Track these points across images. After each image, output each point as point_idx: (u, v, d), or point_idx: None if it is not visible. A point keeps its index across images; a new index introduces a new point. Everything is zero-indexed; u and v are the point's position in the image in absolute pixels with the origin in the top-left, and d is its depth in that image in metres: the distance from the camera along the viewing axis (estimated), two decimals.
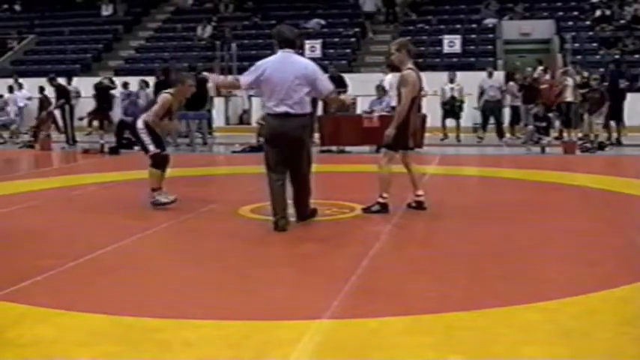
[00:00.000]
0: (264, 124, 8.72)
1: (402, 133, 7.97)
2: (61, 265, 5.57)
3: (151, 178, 8.15)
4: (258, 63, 6.97)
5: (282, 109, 6.77)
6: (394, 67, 8.53)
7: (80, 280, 5.30)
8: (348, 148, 15.95)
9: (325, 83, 7.12)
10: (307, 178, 7.08)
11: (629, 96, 17.38)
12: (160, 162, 8.10)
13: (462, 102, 18.15)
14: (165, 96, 8.30)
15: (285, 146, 6.82)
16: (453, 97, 18.00)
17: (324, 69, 20.03)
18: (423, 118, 16.52)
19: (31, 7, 30.37)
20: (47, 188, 10.24)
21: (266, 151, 7.00)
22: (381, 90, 17.23)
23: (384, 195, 7.83)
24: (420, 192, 8.14)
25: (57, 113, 18.85)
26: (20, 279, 5.12)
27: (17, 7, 31.20)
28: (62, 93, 18.73)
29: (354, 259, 5.70)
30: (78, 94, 20.98)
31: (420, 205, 8.06)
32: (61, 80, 19.41)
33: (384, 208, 7.80)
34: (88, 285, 5.10)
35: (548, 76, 18.63)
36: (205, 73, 11.46)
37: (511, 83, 18.53)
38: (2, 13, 31.20)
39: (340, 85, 18.81)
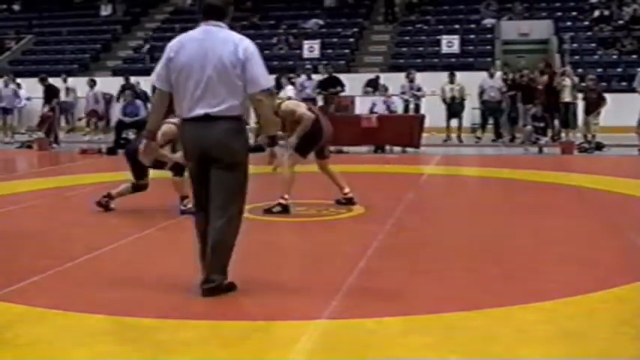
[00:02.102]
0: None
1: (314, 142, 8.11)
2: (59, 266, 5.57)
3: (177, 186, 7.85)
4: (170, 44, 4.81)
5: (200, 110, 4.61)
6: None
7: (78, 280, 5.29)
8: (345, 149, 15.94)
9: (258, 72, 4.64)
10: (233, 221, 4.74)
11: (628, 96, 17.39)
12: (180, 168, 7.82)
13: (462, 99, 18.14)
14: (168, 127, 7.33)
15: (206, 164, 4.71)
16: (453, 98, 17.98)
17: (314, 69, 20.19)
18: (421, 118, 16.57)
19: (29, 7, 30.33)
20: (45, 188, 10.23)
21: (189, 169, 4.95)
22: (383, 90, 17.26)
23: (285, 196, 7.86)
24: (347, 189, 8.35)
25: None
26: (18, 279, 5.12)
27: (16, 7, 31.16)
28: (52, 93, 18.74)
29: (351, 259, 5.70)
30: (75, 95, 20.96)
31: (349, 201, 8.28)
32: (53, 80, 19.45)
33: (285, 209, 7.83)
34: (86, 285, 5.10)
35: (545, 77, 18.61)
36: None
37: (497, 79, 18.46)
38: (0, 13, 31.17)
39: (337, 85, 18.85)
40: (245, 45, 4.68)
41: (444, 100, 18.02)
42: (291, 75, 19.51)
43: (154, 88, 4.91)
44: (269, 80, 4.84)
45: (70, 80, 21.30)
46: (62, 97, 20.26)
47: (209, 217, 4.70)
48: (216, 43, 4.65)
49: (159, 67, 4.77)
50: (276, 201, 7.86)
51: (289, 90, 18.80)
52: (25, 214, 8.33)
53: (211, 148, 4.65)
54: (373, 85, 19.87)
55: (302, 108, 7.95)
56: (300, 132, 7.85)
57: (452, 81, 18.21)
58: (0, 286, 4.93)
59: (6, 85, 20.13)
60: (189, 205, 7.52)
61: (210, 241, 4.67)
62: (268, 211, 7.81)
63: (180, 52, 4.67)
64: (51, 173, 12.88)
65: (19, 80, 21.18)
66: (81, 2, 30.15)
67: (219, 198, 4.68)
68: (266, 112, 4.80)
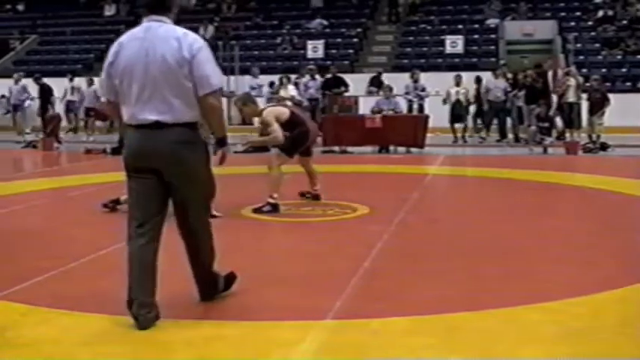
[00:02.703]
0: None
1: (301, 144, 8.24)
2: (62, 266, 5.57)
3: None
4: (111, 46, 4.31)
5: (148, 116, 4.09)
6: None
7: (82, 280, 5.30)
8: (350, 149, 15.94)
9: (208, 71, 4.14)
10: (205, 233, 4.50)
11: (632, 96, 17.38)
12: None
13: (468, 104, 18.05)
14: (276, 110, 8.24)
15: (158, 179, 4.18)
16: (458, 101, 17.87)
17: (326, 69, 20.27)
18: (425, 119, 16.56)
19: (33, 7, 30.39)
20: (49, 188, 10.25)
21: (129, 188, 4.30)
22: (387, 90, 17.23)
23: (274, 195, 7.95)
24: (318, 187, 8.66)
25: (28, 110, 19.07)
26: (22, 279, 5.12)
27: (20, 7, 31.22)
28: (46, 92, 18.78)
29: (356, 259, 5.70)
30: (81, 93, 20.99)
31: (316, 197, 8.60)
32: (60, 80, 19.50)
33: (274, 208, 7.90)
34: (89, 285, 5.10)
35: (548, 77, 18.59)
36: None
37: (492, 79, 18.38)
38: (5, 14, 31.22)
39: (341, 85, 18.85)
40: (190, 40, 4.13)
41: (444, 101, 17.93)
42: (291, 75, 19.47)
43: None
44: (221, 79, 4.32)
45: (76, 80, 21.36)
46: (68, 96, 20.34)
47: (155, 234, 4.22)
48: (157, 41, 4.11)
49: (102, 73, 4.28)
50: (265, 201, 7.93)
51: (291, 89, 18.81)
52: (29, 213, 8.34)
53: (162, 164, 4.12)
54: (376, 84, 19.82)
55: (278, 123, 7.98)
56: (260, 143, 8.40)
57: (458, 84, 18.08)
58: (3, 285, 4.94)
59: (16, 82, 20.24)
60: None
61: (189, 251, 4.49)
62: (258, 210, 7.87)
63: (120, 55, 4.16)
64: (55, 173, 12.90)
65: (23, 80, 21.24)
66: (85, 2, 30.19)
67: (182, 208, 4.31)
68: (217, 115, 4.27)
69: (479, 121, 18.57)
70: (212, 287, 4.59)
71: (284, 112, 8.23)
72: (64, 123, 19.65)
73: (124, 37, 4.23)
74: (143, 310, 4.03)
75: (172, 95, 4.09)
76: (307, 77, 19.59)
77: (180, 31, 4.18)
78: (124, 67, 4.14)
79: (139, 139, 4.16)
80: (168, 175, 4.16)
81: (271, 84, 20.30)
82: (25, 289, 4.94)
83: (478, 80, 18.38)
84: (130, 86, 4.12)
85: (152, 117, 4.09)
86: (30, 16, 29.94)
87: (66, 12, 29.50)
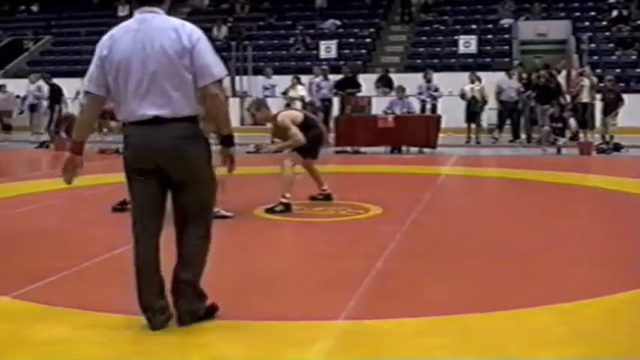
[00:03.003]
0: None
1: (317, 144, 8.35)
2: (76, 265, 5.60)
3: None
4: (101, 40, 4.08)
5: (147, 111, 3.90)
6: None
7: (95, 279, 5.33)
8: (362, 149, 15.94)
9: (208, 61, 3.94)
10: (202, 241, 4.14)
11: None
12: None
13: (484, 103, 17.98)
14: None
15: (158, 177, 3.99)
16: (473, 98, 17.83)
17: (338, 70, 20.28)
18: (438, 119, 16.54)
19: (47, 7, 30.55)
20: (63, 188, 10.24)
21: (130, 189, 4.12)
22: (400, 91, 17.21)
23: (287, 195, 7.97)
24: (325, 186, 8.66)
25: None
26: (36, 278, 5.15)
27: (34, 8, 31.39)
28: (56, 93, 18.85)
29: (369, 259, 5.70)
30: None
31: (327, 197, 8.60)
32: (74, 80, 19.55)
33: (287, 208, 7.93)
34: (103, 285, 5.13)
35: (560, 77, 18.52)
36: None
37: (506, 79, 18.31)
38: (19, 14, 31.41)
39: (354, 85, 18.84)
40: (188, 30, 3.93)
41: (462, 96, 17.84)
42: (301, 75, 19.45)
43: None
44: (222, 69, 4.04)
45: None
46: (81, 97, 20.44)
47: (159, 235, 4.07)
48: (153, 32, 3.91)
49: (91, 68, 4.02)
50: (277, 201, 7.95)
51: (300, 90, 18.80)
52: (43, 213, 8.39)
53: (163, 161, 3.92)
54: (386, 84, 19.67)
55: (295, 126, 8.03)
56: (284, 147, 8.16)
57: (473, 81, 18.02)
58: (19, 285, 4.97)
59: (32, 83, 20.37)
60: (217, 209, 7.63)
61: (180, 258, 4.09)
62: (271, 210, 7.89)
63: (114, 48, 3.94)
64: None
65: (39, 81, 21.36)
66: (99, 3, 30.33)
67: (182, 209, 4.05)
68: (221, 108, 4.03)
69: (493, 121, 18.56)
70: (196, 301, 4.11)
71: (298, 115, 8.30)
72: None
73: (116, 30, 4.02)
74: (156, 312, 3.97)
75: (172, 88, 3.88)
76: (320, 77, 19.57)
77: (176, 21, 3.97)
78: (119, 62, 3.91)
79: (138, 136, 3.96)
80: (172, 173, 3.96)
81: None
82: (39, 289, 4.97)
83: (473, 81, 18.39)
84: (127, 81, 3.90)
85: (151, 112, 3.89)
86: (44, 17, 30.11)
87: (80, 12, 29.64)
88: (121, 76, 3.92)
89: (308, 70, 21.33)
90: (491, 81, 18.23)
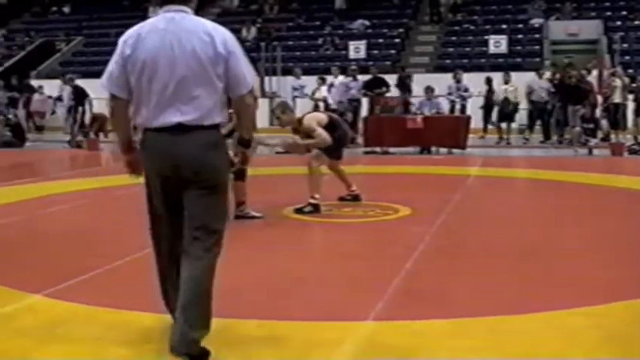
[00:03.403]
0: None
1: (343, 145, 8.45)
2: (108, 264, 5.65)
3: (239, 190, 7.81)
4: (123, 37, 3.76)
5: (170, 118, 3.62)
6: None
7: (127, 278, 5.37)
8: (391, 149, 15.91)
9: (243, 70, 3.70)
10: (214, 260, 3.76)
11: None
12: (242, 174, 7.92)
13: (517, 104, 17.82)
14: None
15: (179, 189, 3.70)
16: (506, 99, 17.66)
17: (366, 70, 20.21)
18: (467, 119, 16.46)
19: (79, 9, 30.87)
20: (95, 188, 10.38)
21: (148, 199, 3.89)
22: (430, 91, 17.13)
23: (316, 196, 7.96)
24: (354, 187, 8.67)
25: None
26: (67, 277, 5.21)
27: (66, 10, 31.73)
28: (79, 94, 18.99)
29: (397, 261, 5.69)
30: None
31: (356, 197, 8.61)
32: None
33: (316, 208, 7.92)
34: (134, 284, 5.16)
35: (592, 78, 18.33)
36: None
37: (536, 79, 18.13)
38: (51, 16, 31.78)
39: (383, 85, 18.78)
40: (223, 36, 3.66)
41: (492, 101, 17.69)
42: (324, 76, 19.39)
43: None
44: (254, 75, 3.88)
45: None
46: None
47: (179, 257, 3.73)
48: (184, 34, 3.62)
49: (111, 66, 3.72)
50: (306, 201, 7.96)
51: (323, 91, 18.76)
52: (75, 212, 8.47)
53: (185, 167, 3.63)
54: (402, 85, 19.40)
55: (321, 127, 8.03)
56: (312, 145, 8.09)
57: (507, 81, 17.88)
58: (50, 283, 5.03)
59: (65, 83, 20.58)
60: (247, 211, 7.76)
61: (187, 290, 3.64)
62: (300, 210, 7.90)
63: (139, 48, 3.64)
64: (101, 172, 13.07)
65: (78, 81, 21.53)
66: (129, 4, 30.58)
67: (198, 231, 3.67)
68: (250, 117, 3.91)
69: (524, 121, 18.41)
70: (202, 326, 3.68)
71: (323, 117, 8.31)
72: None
73: (141, 28, 3.71)
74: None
75: (200, 95, 3.61)
76: (340, 78, 19.53)
77: (209, 24, 3.69)
78: (144, 61, 3.61)
79: (159, 145, 3.67)
80: (189, 182, 3.65)
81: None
82: (71, 287, 5.02)
83: (488, 81, 18.26)
84: (150, 83, 3.61)
85: (175, 119, 3.61)
86: (75, 18, 30.42)
87: (110, 14, 29.89)
88: (145, 77, 3.62)
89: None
90: (520, 81, 18.10)
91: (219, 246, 3.76)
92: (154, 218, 3.89)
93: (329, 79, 19.81)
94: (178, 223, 3.74)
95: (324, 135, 7.94)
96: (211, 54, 3.59)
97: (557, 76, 18.18)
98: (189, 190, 3.68)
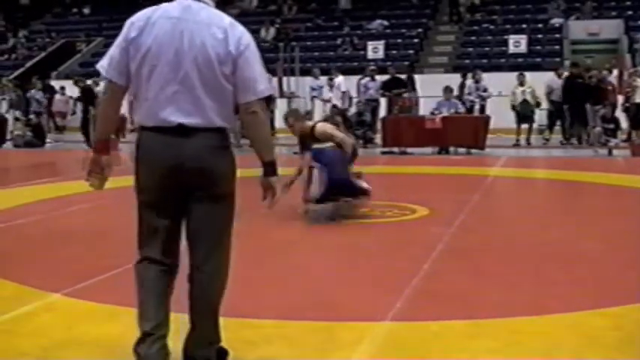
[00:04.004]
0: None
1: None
2: (127, 264, 5.62)
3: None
4: (132, 18, 3.42)
5: (171, 117, 3.23)
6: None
7: None
8: (409, 150, 15.88)
9: (254, 74, 3.29)
10: (221, 274, 3.48)
11: None
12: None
13: (537, 105, 17.59)
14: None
15: (179, 196, 3.30)
16: (525, 101, 17.39)
17: (384, 70, 20.12)
18: (486, 119, 16.38)
19: (99, 10, 31.05)
20: (114, 187, 10.39)
21: (140, 209, 3.41)
22: (448, 91, 17.06)
23: None
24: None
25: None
26: (87, 276, 5.23)
27: (86, 11, 31.94)
28: (88, 95, 19.07)
29: (415, 261, 5.67)
30: None
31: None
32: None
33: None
34: None
35: (613, 77, 18.20)
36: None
37: (555, 78, 17.97)
38: (72, 17, 32.00)
39: (401, 86, 18.72)
40: (238, 33, 3.28)
41: (513, 107, 17.56)
42: (332, 76, 19.33)
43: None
44: (269, 86, 3.43)
45: None
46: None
47: (172, 262, 3.41)
48: (198, 26, 3.24)
49: (113, 49, 3.33)
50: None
51: (325, 92, 18.67)
52: (95, 212, 8.51)
53: (186, 173, 3.23)
54: (395, 85, 19.12)
55: (339, 132, 8.08)
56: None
57: (522, 83, 17.64)
58: (69, 282, 5.05)
59: (75, 84, 20.72)
60: None
61: (196, 308, 3.44)
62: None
63: (146, 32, 3.26)
64: (120, 173, 13.11)
65: (88, 82, 21.67)
66: (148, 5, 30.71)
67: (203, 244, 3.36)
68: (263, 129, 3.41)
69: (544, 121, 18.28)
70: (213, 341, 3.52)
71: (332, 127, 8.27)
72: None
73: (154, 12, 3.33)
74: (152, 344, 3.35)
75: (205, 96, 3.22)
76: (367, 78, 19.49)
77: (226, 19, 3.32)
78: (148, 47, 3.22)
79: (157, 147, 3.25)
80: (191, 188, 3.27)
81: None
82: (90, 287, 5.04)
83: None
84: (152, 74, 3.22)
85: (176, 119, 3.21)
86: (95, 19, 30.60)
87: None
88: (146, 66, 3.23)
89: (356, 71, 21.30)
90: (540, 81, 17.97)
91: (225, 256, 3.46)
92: (141, 232, 3.40)
93: (336, 80, 19.76)
94: (169, 238, 3.35)
95: (342, 136, 7.94)
96: (221, 52, 3.21)
97: (566, 74, 17.91)
98: (190, 200, 3.29)
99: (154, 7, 3.34)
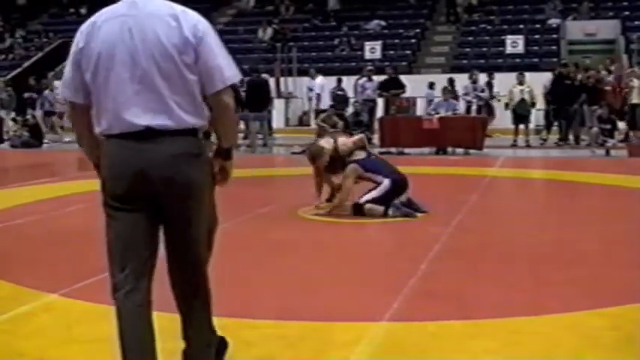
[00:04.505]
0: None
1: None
2: None
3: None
4: (80, 28, 3.15)
5: (135, 120, 2.96)
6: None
7: None
8: (407, 150, 15.88)
9: (219, 60, 3.04)
10: (206, 279, 3.27)
11: None
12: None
13: (533, 104, 17.58)
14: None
15: (148, 207, 3.03)
16: (523, 100, 17.38)
17: (382, 70, 20.16)
18: (484, 119, 16.40)
19: (96, 10, 30.81)
20: None
21: (108, 224, 3.15)
22: (447, 92, 17.07)
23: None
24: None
25: None
26: (85, 276, 5.22)
27: (83, 11, 31.88)
28: None
29: (413, 261, 5.67)
30: None
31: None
32: None
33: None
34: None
35: (611, 78, 18.22)
36: None
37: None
38: (69, 17, 31.96)
39: (398, 86, 18.75)
40: (193, 20, 3.04)
41: (506, 105, 17.58)
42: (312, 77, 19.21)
43: None
44: (236, 71, 3.12)
45: None
46: None
47: (145, 283, 3.20)
48: (146, 19, 2.98)
49: (66, 67, 3.12)
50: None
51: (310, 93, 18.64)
52: (92, 212, 8.43)
53: (157, 187, 2.97)
54: (392, 85, 19.02)
55: (348, 138, 8.24)
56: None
57: (521, 82, 17.62)
58: (67, 283, 5.05)
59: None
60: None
61: (184, 300, 3.32)
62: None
63: (94, 38, 3.01)
64: None
65: None
66: None
67: (181, 245, 3.13)
68: (231, 121, 3.23)
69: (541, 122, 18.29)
70: (207, 347, 3.38)
71: (344, 140, 8.28)
72: None
73: (98, 16, 3.10)
74: None
75: (170, 91, 2.97)
76: (364, 79, 19.51)
77: (177, 6, 3.06)
78: (98, 54, 2.98)
79: (123, 155, 2.98)
80: (168, 203, 3.01)
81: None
82: (88, 286, 5.03)
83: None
84: (107, 80, 2.97)
85: (141, 121, 2.95)
86: None
87: None
88: (100, 74, 2.98)
89: (353, 71, 21.33)
90: (538, 81, 17.99)
91: (206, 279, 3.25)
92: (110, 254, 3.18)
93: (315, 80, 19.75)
94: (140, 257, 3.10)
95: (355, 139, 8.18)
96: (177, 41, 2.96)
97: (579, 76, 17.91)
98: (162, 215, 3.05)
99: (101, 11, 3.12)
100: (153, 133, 2.95)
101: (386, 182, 7.73)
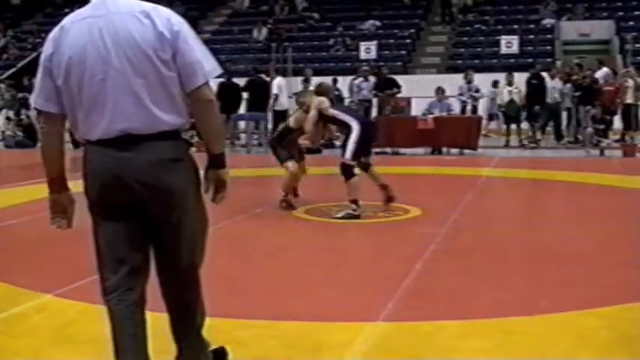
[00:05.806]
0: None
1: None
2: None
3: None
4: (49, 36, 3.01)
5: (113, 125, 2.86)
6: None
7: None
8: (402, 150, 15.89)
9: (197, 54, 2.92)
10: (197, 285, 3.18)
11: None
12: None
13: (523, 105, 17.61)
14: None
15: (134, 213, 2.96)
16: (512, 101, 17.44)
17: (376, 72, 20.12)
18: (479, 120, 16.41)
19: None
20: None
21: (95, 230, 3.16)
22: (440, 92, 17.08)
23: (358, 203, 7.76)
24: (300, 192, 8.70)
25: None
26: (79, 277, 5.20)
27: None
28: None
29: (408, 261, 5.67)
30: None
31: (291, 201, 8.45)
32: None
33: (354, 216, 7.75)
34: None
35: (601, 79, 18.22)
36: None
37: (548, 79, 17.90)
38: (63, 17, 31.54)
39: (393, 86, 18.73)
40: (166, 15, 2.90)
41: (499, 106, 17.61)
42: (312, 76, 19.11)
43: None
44: (216, 64, 3.00)
45: None
46: None
47: (139, 291, 3.10)
48: (116, 17, 2.87)
49: (37, 76, 2.99)
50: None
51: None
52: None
53: (139, 194, 2.89)
54: (388, 86, 18.96)
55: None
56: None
57: (510, 83, 17.67)
58: (61, 283, 5.05)
59: None
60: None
61: (173, 307, 3.23)
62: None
63: (63, 43, 2.90)
64: None
65: None
66: None
67: (170, 252, 3.05)
68: (216, 119, 3.04)
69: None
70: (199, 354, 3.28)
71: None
72: None
73: (66, 21, 2.99)
74: None
75: (145, 91, 2.85)
76: (360, 79, 19.49)
77: (147, 4, 2.92)
78: (69, 59, 2.86)
79: (102, 163, 2.90)
80: (153, 212, 2.94)
81: None
82: (82, 287, 5.01)
83: (495, 84, 18.23)
84: (81, 85, 2.86)
85: (118, 126, 2.84)
86: None
87: None
88: (73, 79, 2.87)
89: (348, 71, 21.32)
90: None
91: (197, 294, 3.18)
92: (100, 262, 3.13)
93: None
94: (133, 263, 3.02)
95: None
96: (152, 37, 2.84)
97: (575, 77, 17.87)
98: (148, 224, 2.98)
99: (68, 16, 3.01)
100: (130, 138, 2.85)
101: (355, 126, 7.77)
